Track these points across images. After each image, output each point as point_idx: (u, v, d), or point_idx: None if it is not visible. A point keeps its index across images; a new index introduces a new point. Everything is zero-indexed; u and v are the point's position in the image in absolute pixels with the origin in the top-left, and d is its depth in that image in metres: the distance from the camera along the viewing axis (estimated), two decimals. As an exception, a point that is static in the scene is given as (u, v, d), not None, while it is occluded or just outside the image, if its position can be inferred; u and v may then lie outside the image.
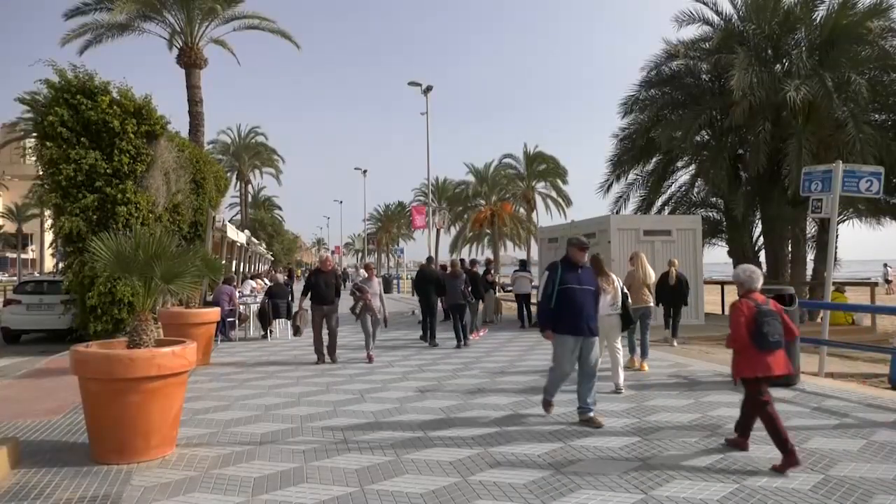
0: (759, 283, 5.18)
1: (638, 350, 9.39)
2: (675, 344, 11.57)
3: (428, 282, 12.60)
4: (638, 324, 9.16)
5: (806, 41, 17.88)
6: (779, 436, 4.69)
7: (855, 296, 20.74)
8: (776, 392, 7.38)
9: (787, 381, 7.66)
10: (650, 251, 15.17)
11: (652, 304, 9.65)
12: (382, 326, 10.74)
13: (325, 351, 10.09)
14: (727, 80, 16.24)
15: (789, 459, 4.61)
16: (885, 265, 36.03)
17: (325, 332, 10.22)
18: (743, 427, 5.27)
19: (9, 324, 14.34)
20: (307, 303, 10.33)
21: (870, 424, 5.91)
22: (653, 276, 9.66)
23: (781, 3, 18.10)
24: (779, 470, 4.61)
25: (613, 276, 7.79)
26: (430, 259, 15.91)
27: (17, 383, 8.69)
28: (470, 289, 13.03)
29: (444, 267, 15.19)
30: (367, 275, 10.70)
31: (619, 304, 7.66)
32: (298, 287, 38.38)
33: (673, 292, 11.38)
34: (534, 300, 16.80)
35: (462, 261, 19.55)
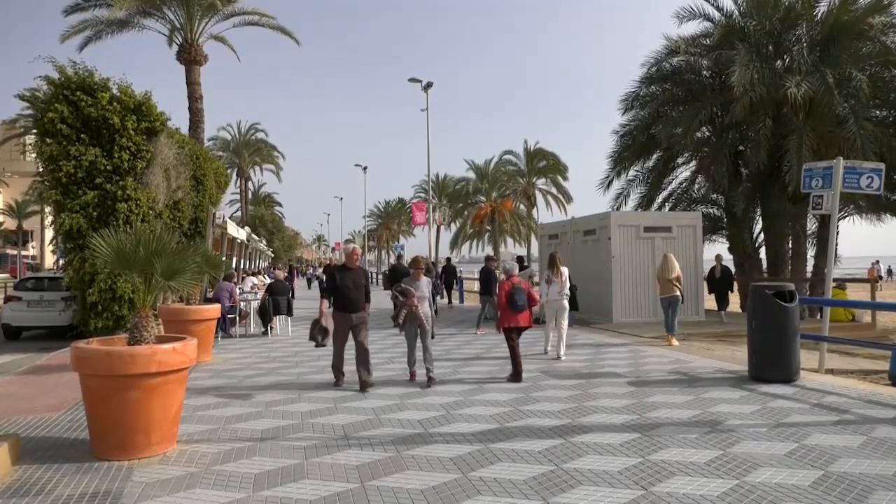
0: (516, 271, 8.61)
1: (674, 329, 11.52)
2: (725, 320, 14.87)
3: (400, 275, 15.20)
4: (669, 309, 11.46)
5: (807, 37, 17.86)
6: (516, 362, 8.03)
7: (855, 292, 20.75)
8: (777, 389, 7.40)
9: (786, 377, 7.71)
10: (650, 247, 15.21)
11: (677, 294, 11.31)
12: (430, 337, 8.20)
13: (359, 374, 7.65)
14: (728, 77, 16.21)
15: (517, 377, 7.96)
16: (878, 262, 36.01)
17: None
18: (514, 364, 8.09)
19: (9, 320, 14.36)
20: (328, 308, 7.82)
21: (870, 421, 5.92)
22: (676, 272, 11.32)
23: (782, -1, 18.08)
24: (510, 380, 7.99)
25: (563, 270, 10.12)
26: (399, 256, 20.61)
27: (18, 380, 8.70)
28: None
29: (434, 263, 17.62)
30: (413, 272, 8.25)
31: (567, 291, 10.16)
32: (299, 284, 37.55)
33: (718, 282, 16.22)
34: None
35: (448, 259, 21.72)
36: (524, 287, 8.26)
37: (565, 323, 10.11)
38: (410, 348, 8.19)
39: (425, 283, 8.22)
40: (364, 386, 7.57)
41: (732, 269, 17.15)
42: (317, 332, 7.66)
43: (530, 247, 45.26)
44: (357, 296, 7.71)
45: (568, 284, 10.18)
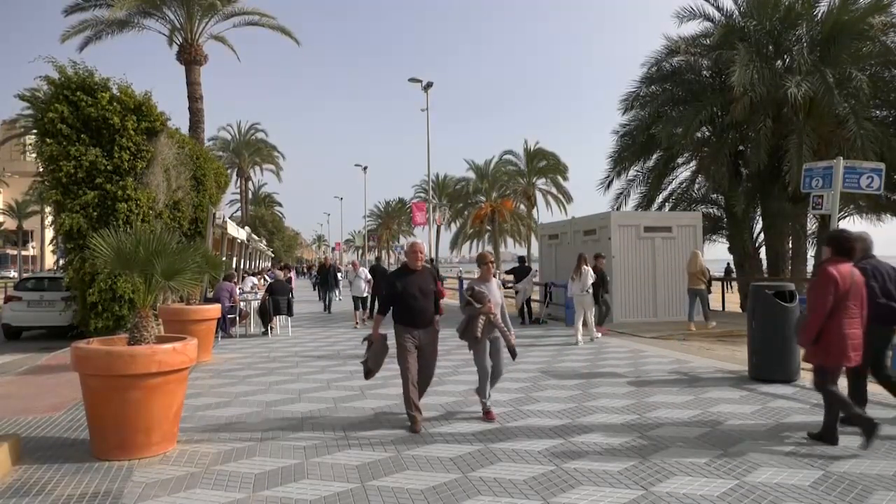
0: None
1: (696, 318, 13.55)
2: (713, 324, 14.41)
3: (380, 274, 17.04)
4: (694, 299, 13.71)
5: (807, 37, 17.84)
6: None
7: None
8: (777, 389, 7.40)
9: (787, 377, 7.71)
10: (650, 247, 15.22)
11: (701, 287, 13.55)
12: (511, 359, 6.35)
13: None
14: (728, 77, 16.21)
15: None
16: None
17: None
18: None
19: (10, 320, 14.36)
20: (379, 319, 6.10)
21: (870, 421, 5.90)
22: (699, 267, 13.55)
23: (782, -2, 18.07)
24: None
25: (584, 269, 11.65)
26: (378, 259, 25.51)
27: (18, 380, 8.70)
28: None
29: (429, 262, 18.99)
30: (483, 271, 6.46)
31: (589, 288, 11.58)
32: (301, 284, 35.96)
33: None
34: (535, 297, 16.85)
35: (432, 259, 23.89)
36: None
37: (591, 314, 11.92)
38: (484, 372, 6.24)
39: (496, 286, 6.43)
40: (420, 421, 5.85)
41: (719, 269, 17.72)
42: (367, 357, 5.96)
43: (530, 247, 45.21)
44: (425, 305, 6.03)
45: (590, 282, 11.64)
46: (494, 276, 6.50)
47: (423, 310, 6.01)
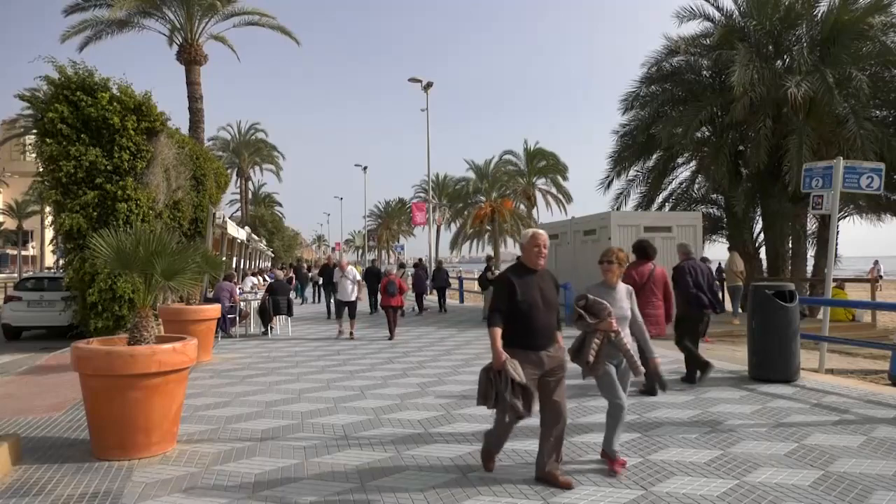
0: (395, 270, 14.92)
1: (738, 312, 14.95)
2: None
3: (374, 276, 18.64)
4: (732, 295, 15.73)
5: (807, 37, 17.85)
6: (391, 328, 12.95)
7: (856, 292, 20.74)
8: (777, 389, 7.39)
9: (786, 377, 7.71)
10: (650, 247, 15.23)
11: (738, 284, 15.09)
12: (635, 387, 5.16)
13: (543, 461, 4.44)
14: (728, 77, 16.21)
15: (391, 337, 11.66)
16: (876, 262, 35.76)
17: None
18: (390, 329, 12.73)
19: (10, 320, 14.37)
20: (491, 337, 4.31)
21: (870, 420, 5.92)
22: (736, 267, 15.30)
23: (782, -2, 18.07)
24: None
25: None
26: (373, 261, 24.68)
27: (18, 380, 8.70)
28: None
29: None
30: (606, 272, 4.87)
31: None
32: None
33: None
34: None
35: (421, 260, 26.51)
36: (396, 281, 13.01)
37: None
38: (616, 409, 4.78)
39: (625, 292, 4.88)
40: (552, 479, 4.35)
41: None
42: (508, 392, 4.12)
43: (530, 247, 45.14)
44: (548, 320, 4.42)
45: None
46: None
47: (546, 325, 4.39)
